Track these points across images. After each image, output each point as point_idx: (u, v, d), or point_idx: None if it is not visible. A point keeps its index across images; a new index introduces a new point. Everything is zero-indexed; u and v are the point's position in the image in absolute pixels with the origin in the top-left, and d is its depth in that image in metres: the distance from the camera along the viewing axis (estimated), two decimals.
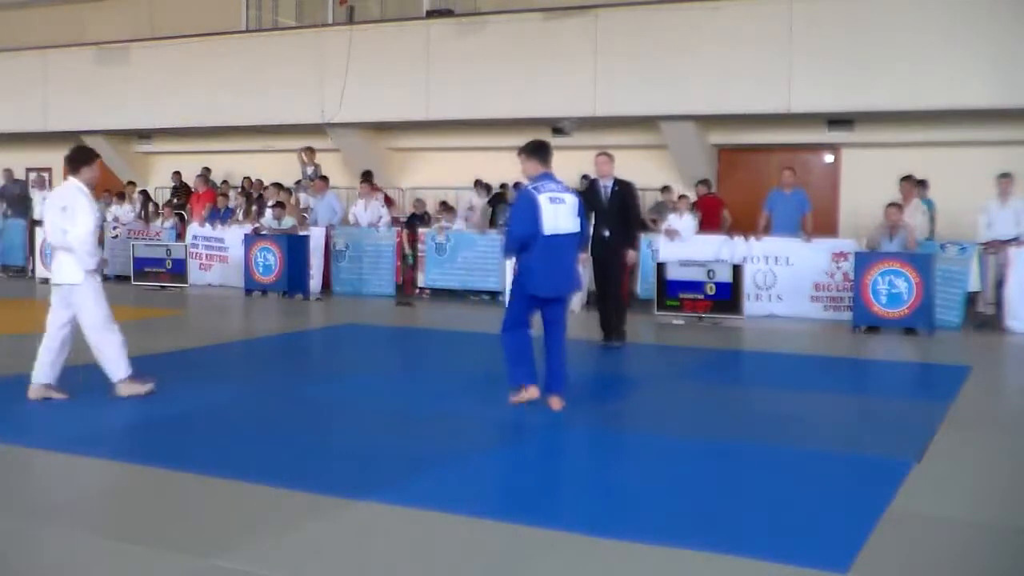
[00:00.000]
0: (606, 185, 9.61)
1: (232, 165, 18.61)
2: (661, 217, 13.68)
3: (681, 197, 13.67)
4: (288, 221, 14.67)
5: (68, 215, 6.69)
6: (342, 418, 6.55)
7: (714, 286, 11.45)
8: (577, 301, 10.91)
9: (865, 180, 14.49)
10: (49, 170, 21.81)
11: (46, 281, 15.82)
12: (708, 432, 6.24)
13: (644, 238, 12.07)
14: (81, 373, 7.92)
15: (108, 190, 18.34)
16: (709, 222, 13.55)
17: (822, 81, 13.68)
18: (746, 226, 13.06)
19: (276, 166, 17.60)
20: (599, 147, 15.41)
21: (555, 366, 6.76)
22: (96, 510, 4.60)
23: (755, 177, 15.33)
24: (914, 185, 12.20)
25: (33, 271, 16.67)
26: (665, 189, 14.94)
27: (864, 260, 11.05)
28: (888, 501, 4.71)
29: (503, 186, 15.48)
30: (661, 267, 11.69)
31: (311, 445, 5.80)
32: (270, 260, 14.25)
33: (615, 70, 14.83)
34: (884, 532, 4.28)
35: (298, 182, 16.60)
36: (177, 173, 18.59)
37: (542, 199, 6.58)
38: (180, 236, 16.17)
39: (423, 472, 5.18)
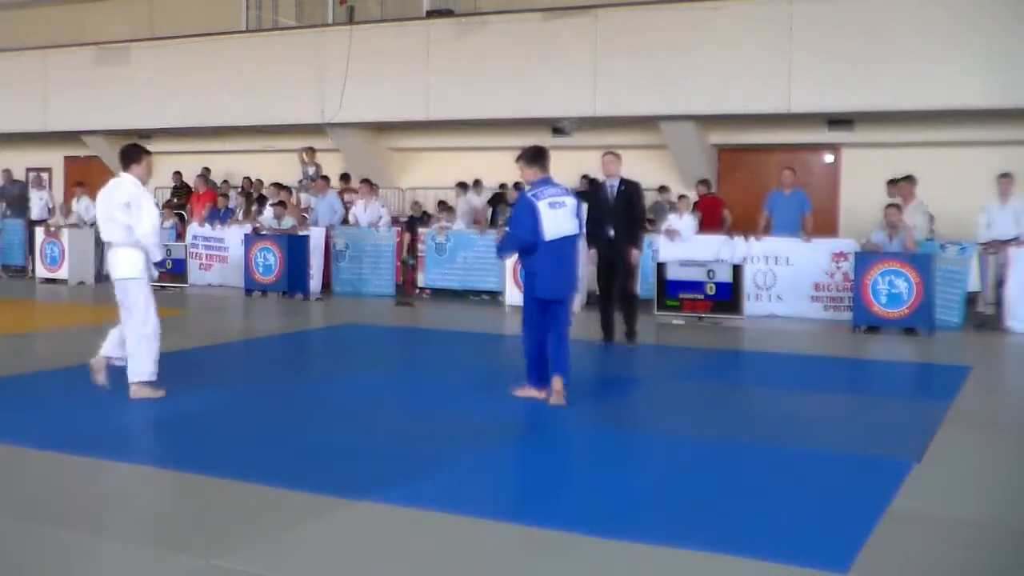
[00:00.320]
0: (612, 184, 9.62)
1: (232, 165, 18.62)
2: (659, 217, 13.69)
3: (681, 197, 13.68)
4: (288, 221, 14.67)
5: (133, 211, 6.82)
6: (342, 418, 6.55)
7: (714, 286, 11.45)
8: (577, 302, 10.91)
9: (865, 180, 14.49)
10: (49, 170, 21.83)
11: (46, 281, 15.93)
12: (708, 432, 6.24)
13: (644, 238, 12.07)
14: (79, 373, 7.92)
15: None
16: (709, 222, 13.55)
17: (822, 81, 13.68)
18: (746, 226, 13.06)
19: (276, 166, 17.61)
20: (599, 147, 15.43)
21: (555, 352, 6.92)
22: (96, 510, 4.59)
23: (755, 177, 15.33)
24: (913, 184, 12.18)
25: (33, 271, 16.67)
26: (662, 189, 14.95)
27: (864, 260, 11.05)
28: (888, 501, 4.71)
29: (503, 186, 15.47)
30: (661, 267, 11.69)
31: (311, 445, 5.80)
32: (270, 260, 14.25)
33: (615, 70, 14.83)
34: (884, 532, 4.28)
35: (301, 182, 16.61)
36: (178, 173, 18.59)
37: (542, 206, 6.76)
38: (180, 236, 16.17)
39: (423, 472, 5.18)
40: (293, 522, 4.38)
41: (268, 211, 15.02)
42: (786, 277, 12.08)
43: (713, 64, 14.17)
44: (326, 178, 15.80)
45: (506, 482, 5.16)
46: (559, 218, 6.81)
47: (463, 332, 10.98)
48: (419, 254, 14.42)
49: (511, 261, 12.79)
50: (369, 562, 3.99)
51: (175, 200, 18.14)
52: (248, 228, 15.05)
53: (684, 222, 12.63)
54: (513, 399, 7.02)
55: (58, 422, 6.27)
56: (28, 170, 21.17)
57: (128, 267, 6.86)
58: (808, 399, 7.40)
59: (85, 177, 19.50)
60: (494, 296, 13.73)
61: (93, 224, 16.65)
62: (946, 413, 6.73)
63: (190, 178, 18.05)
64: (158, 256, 6.96)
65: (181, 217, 17.32)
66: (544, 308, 6.95)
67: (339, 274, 14.75)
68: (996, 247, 11.42)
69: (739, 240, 12.31)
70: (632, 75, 14.72)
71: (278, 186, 15.75)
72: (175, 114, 18.07)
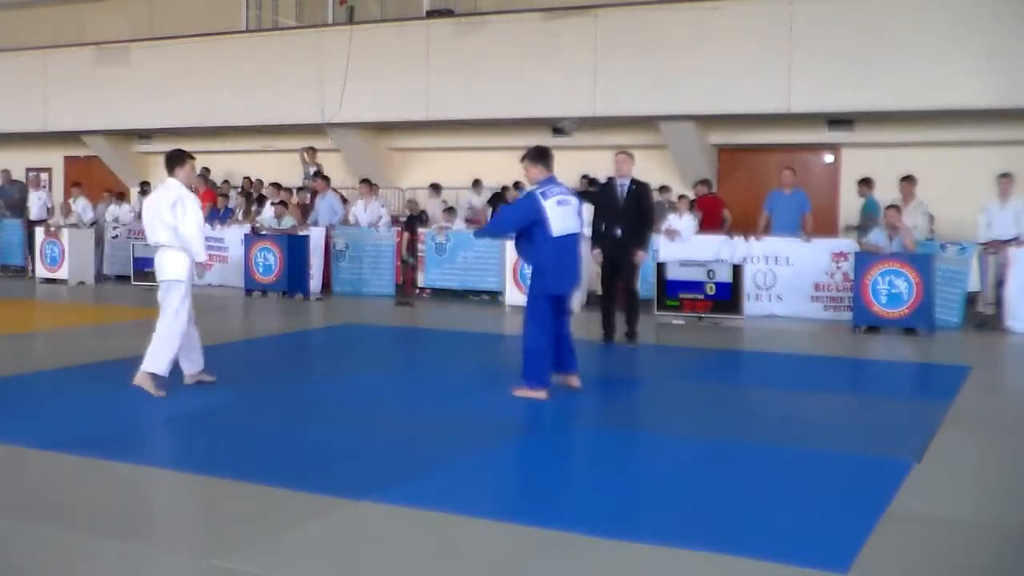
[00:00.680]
0: (623, 184, 9.64)
1: (232, 165, 18.62)
2: (659, 217, 13.67)
3: (681, 197, 13.67)
4: (288, 221, 14.67)
5: (177, 212, 7.02)
6: (342, 418, 6.55)
7: (714, 286, 11.45)
8: (576, 301, 10.91)
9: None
10: (49, 170, 21.83)
11: (46, 281, 15.93)
12: (708, 432, 6.24)
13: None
14: (79, 373, 7.93)
15: (108, 190, 18.36)
16: (710, 222, 13.55)
17: (822, 81, 13.69)
18: (746, 226, 13.06)
19: (276, 166, 17.61)
20: (599, 147, 15.55)
21: (567, 350, 7.22)
22: (96, 510, 4.59)
23: (755, 177, 15.33)
24: (913, 184, 12.19)
25: (33, 271, 16.67)
26: (663, 189, 14.95)
27: (864, 260, 11.05)
28: (888, 501, 4.71)
29: (504, 188, 15.46)
30: (661, 267, 11.69)
31: (311, 445, 5.80)
32: (270, 260, 14.26)
33: (615, 70, 14.83)
34: (884, 532, 4.28)
35: (305, 182, 16.61)
36: None
37: (550, 204, 6.94)
38: None
39: (423, 472, 5.17)
40: (293, 522, 4.38)
41: (268, 211, 15.02)
42: (786, 277, 12.08)
43: (713, 64, 14.18)
44: (326, 178, 15.80)
45: (506, 482, 5.16)
46: (565, 216, 7.01)
47: (463, 332, 10.98)
48: (419, 254, 14.42)
49: (512, 261, 12.82)
50: (369, 562, 3.99)
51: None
52: (248, 228, 15.05)
53: (684, 222, 12.63)
54: (513, 399, 7.02)
55: (58, 422, 6.27)
56: (28, 170, 21.18)
57: (172, 270, 7.10)
58: (808, 399, 7.40)
59: (85, 177, 19.53)
60: (494, 296, 13.73)
61: (92, 224, 16.74)
62: (946, 413, 6.73)
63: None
64: (202, 257, 7.16)
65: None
66: (555, 306, 7.10)
67: (339, 274, 14.75)
68: (996, 247, 11.42)
69: (739, 240, 12.31)
70: (632, 75, 14.72)
71: (276, 186, 15.76)
72: (175, 114, 18.07)
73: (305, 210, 15.56)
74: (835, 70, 13.58)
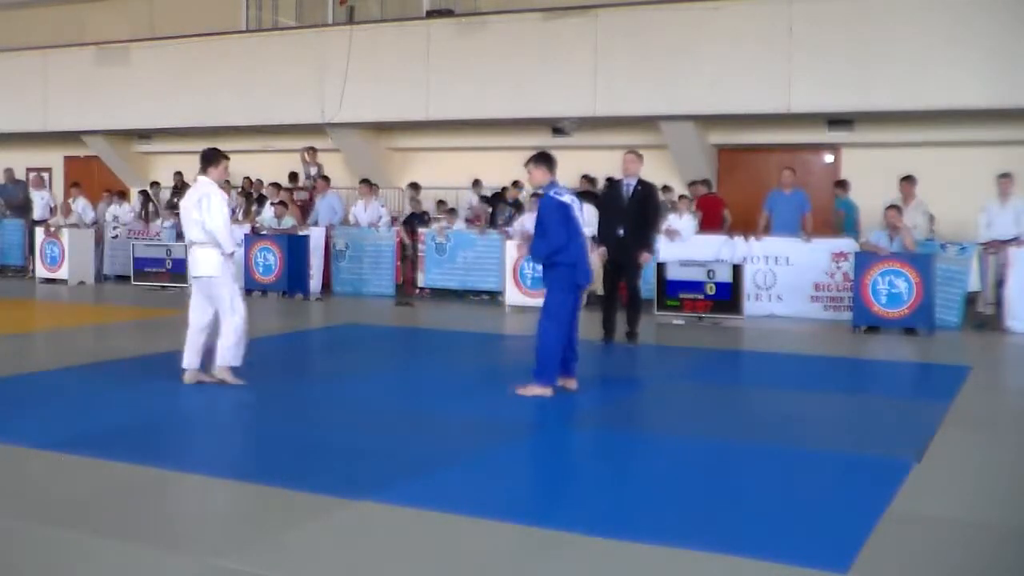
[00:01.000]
0: (629, 184, 9.64)
1: (232, 165, 18.39)
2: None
3: (682, 197, 13.67)
4: (288, 221, 14.67)
5: (203, 206, 7.24)
6: (342, 418, 6.55)
7: (714, 286, 11.45)
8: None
9: (865, 180, 14.48)
10: (49, 170, 21.82)
11: (46, 281, 15.93)
12: (708, 432, 6.24)
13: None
14: (79, 373, 7.94)
15: (108, 190, 18.35)
16: (710, 222, 13.55)
17: (822, 81, 13.68)
18: (746, 226, 13.06)
19: (276, 166, 17.60)
20: (599, 147, 15.56)
21: (571, 352, 7.30)
22: (96, 510, 4.59)
23: (755, 177, 15.33)
24: (913, 184, 12.19)
25: (33, 271, 16.67)
26: (664, 189, 14.93)
27: (864, 260, 11.05)
28: (888, 501, 4.71)
29: (504, 189, 15.46)
30: (661, 267, 11.69)
31: (311, 445, 5.80)
32: (270, 260, 14.26)
33: (615, 70, 14.83)
34: (884, 532, 4.28)
35: (306, 182, 16.61)
36: (178, 173, 18.57)
37: (566, 200, 7.15)
38: (180, 236, 16.16)
39: (423, 472, 5.17)
40: (293, 522, 4.38)
41: (268, 211, 15.02)
42: (786, 277, 12.08)
43: (713, 64, 14.18)
44: (326, 178, 15.80)
45: (506, 482, 5.16)
46: (578, 213, 7.26)
47: (463, 332, 10.98)
48: (419, 253, 14.41)
49: (512, 261, 12.82)
50: (369, 562, 3.99)
51: (175, 200, 18.13)
52: (247, 228, 15.05)
53: (684, 222, 12.63)
54: (513, 399, 7.03)
55: (58, 422, 6.27)
56: (28, 170, 21.15)
57: (207, 266, 7.30)
58: (808, 399, 7.40)
59: (85, 177, 19.52)
60: (494, 296, 13.73)
61: (92, 224, 16.73)
62: (946, 413, 6.73)
63: (191, 178, 18.02)
64: (229, 248, 7.34)
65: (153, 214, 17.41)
66: (574, 303, 7.26)
67: (339, 274, 14.75)
68: (996, 247, 11.42)
69: (739, 240, 12.31)
70: (632, 75, 14.72)
71: (276, 186, 15.76)
72: (175, 114, 18.08)
73: (303, 209, 15.56)
74: (835, 70, 13.58)
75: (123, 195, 18.60)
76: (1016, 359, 9.97)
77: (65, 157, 21.73)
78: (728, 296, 11.41)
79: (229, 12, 19.03)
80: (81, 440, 5.76)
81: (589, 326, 10.03)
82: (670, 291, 11.63)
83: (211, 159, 7.47)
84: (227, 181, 17.44)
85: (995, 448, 6.06)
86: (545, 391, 7.04)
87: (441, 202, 15.68)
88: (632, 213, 9.53)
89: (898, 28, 13.38)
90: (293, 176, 16.94)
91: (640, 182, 9.64)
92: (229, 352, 7.27)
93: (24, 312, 13.12)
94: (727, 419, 6.73)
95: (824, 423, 6.64)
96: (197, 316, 7.43)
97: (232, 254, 7.39)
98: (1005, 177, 11.65)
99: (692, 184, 14.36)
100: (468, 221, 14.91)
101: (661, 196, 14.79)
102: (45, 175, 21.37)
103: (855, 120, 14.62)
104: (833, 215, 13.55)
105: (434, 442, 5.87)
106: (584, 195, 10.89)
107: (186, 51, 18.09)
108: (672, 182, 15.19)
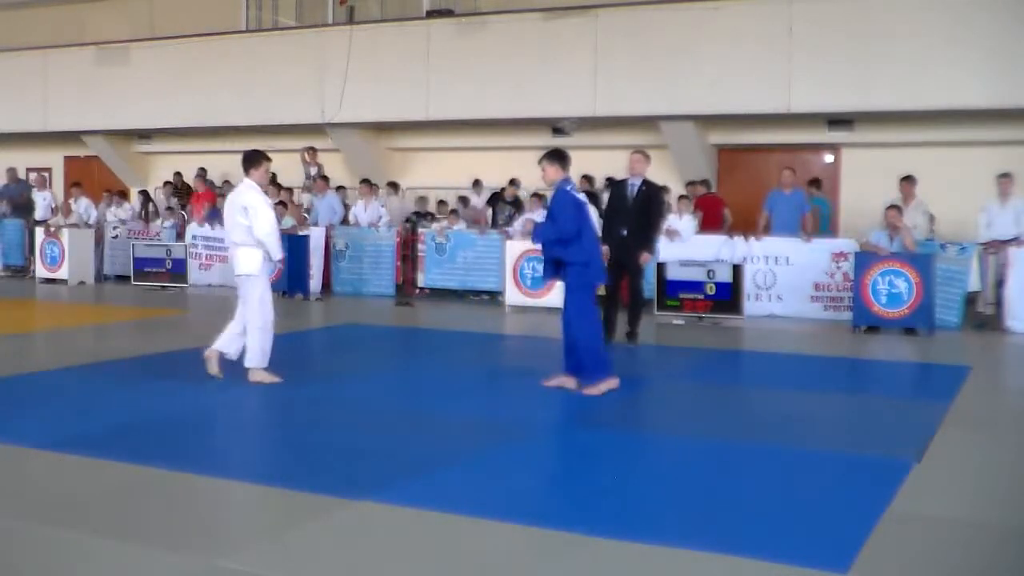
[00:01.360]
0: (634, 184, 9.66)
1: (232, 165, 18.46)
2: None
3: (681, 197, 13.67)
4: (288, 221, 14.66)
5: (251, 214, 7.41)
6: (342, 418, 6.55)
7: (714, 286, 11.45)
8: None
9: (865, 180, 14.49)
10: (49, 170, 21.82)
11: (46, 281, 15.93)
12: (708, 432, 6.24)
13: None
14: (79, 373, 7.94)
15: (108, 190, 18.35)
16: (711, 222, 13.55)
17: (822, 81, 13.68)
18: (746, 226, 13.06)
19: (276, 166, 17.54)
20: (599, 147, 15.56)
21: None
22: (96, 510, 4.59)
23: (755, 177, 15.33)
24: (913, 184, 12.18)
25: (33, 271, 16.67)
26: (664, 189, 14.93)
27: (864, 260, 11.05)
28: (888, 501, 4.71)
29: (502, 188, 15.46)
30: (661, 267, 11.69)
31: (311, 445, 5.80)
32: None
33: (615, 70, 14.83)
34: (884, 532, 4.28)
35: (306, 182, 16.60)
36: (178, 173, 18.60)
37: (582, 198, 7.23)
38: (180, 236, 16.18)
39: (423, 472, 5.18)
40: (293, 522, 4.38)
41: None
42: (786, 277, 12.08)
43: (713, 64, 14.17)
44: (326, 178, 15.79)
45: (506, 482, 5.16)
46: (591, 212, 7.35)
47: (463, 332, 10.98)
48: (419, 253, 14.40)
49: (512, 261, 12.82)
50: (369, 562, 3.99)
51: (175, 199, 18.13)
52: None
53: (684, 222, 12.63)
54: (512, 399, 7.04)
55: (58, 422, 6.27)
56: (28, 170, 21.18)
57: (246, 264, 7.50)
58: (808, 399, 7.40)
59: (85, 177, 19.52)
60: (494, 296, 13.73)
61: (93, 224, 16.73)
62: (946, 413, 6.73)
63: (191, 178, 18.04)
64: (278, 255, 7.60)
65: (183, 217, 17.32)
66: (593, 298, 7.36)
67: (339, 274, 14.75)
68: (996, 247, 11.42)
69: (739, 240, 12.31)
70: (632, 75, 14.72)
71: (278, 186, 15.75)
72: (175, 114, 18.07)
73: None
74: (835, 70, 13.58)
75: (123, 195, 18.59)
76: (1016, 359, 9.97)
77: (65, 157, 21.73)
78: (728, 296, 11.41)
79: (229, 12, 19.02)
80: (81, 440, 5.76)
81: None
82: (670, 291, 11.63)
83: (252, 161, 7.56)
84: (226, 181, 17.66)
85: (995, 448, 6.06)
86: (612, 383, 7.18)
87: (440, 202, 15.67)
88: (635, 213, 9.55)
89: (898, 28, 13.37)
90: (273, 178, 16.93)
91: (645, 182, 9.67)
92: (255, 354, 7.47)
93: (24, 312, 13.12)
94: (727, 419, 6.73)
95: (824, 423, 6.64)
96: (241, 311, 7.65)
97: (282, 260, 7.59)
98: (1005, 177, 11.65)
99: (691, 184, 14.35)
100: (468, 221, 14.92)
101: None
102: (45, 175, 21.38)
103: (855, 120, 14.61)
104: (811, 214, 13.48)
105: (434, 442, 5.87)
106: (592, 196, 10.90)
107: (186, 51, 18.09)
108: (672, 182, 15.19)
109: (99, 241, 16.61)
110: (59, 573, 3.89)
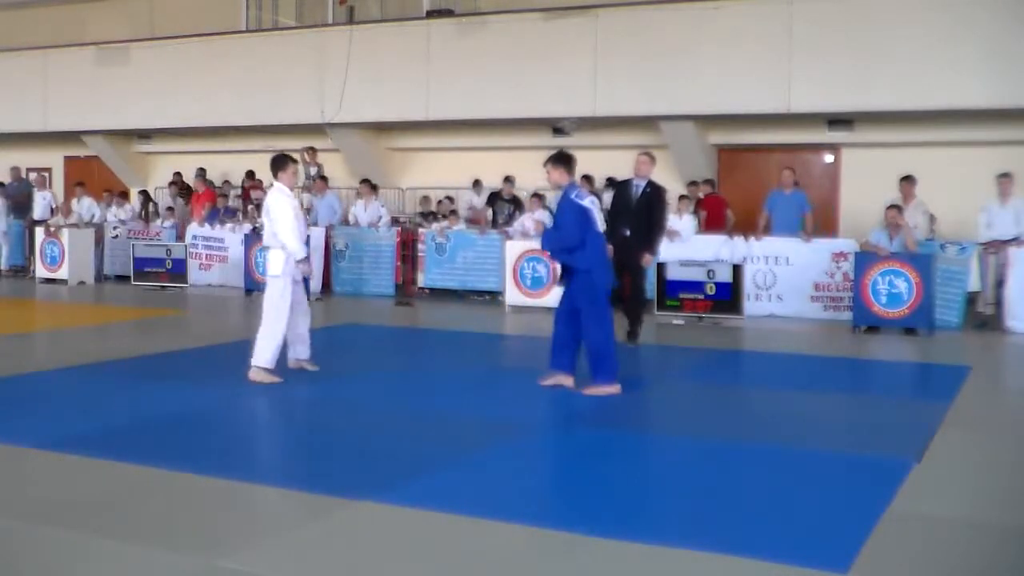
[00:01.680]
0: (638, 185, 9.69)
1: (232, 165, 18.60)
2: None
3: (682, 197, 13.67)
4: None
5: (272, 215, 7.61)
6: (342, 418, 6.55)
7: (714, 286, 11.45)
8: None
9: (865, 180, 14.48)
10: (49, 170, 21.83)
11: (46, 281, 15.93)
12: (708, 432, 6.24)
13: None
14: (79, 373, 7.94)
15: (108, 190, 18.35)
16: (714, 221, 13.55)
17: (822, 81, 13.68)
18: (746, 226, 13.06)
19: None
20: (599, 147, 15.55)
21: (577, 350, 7.41)
22: (96, 510, 4.59)
23: (755, 177, 15.33)
24: (913, 184, 12.18)
25: (33, 271, 16.67)
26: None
27: (864, 260, 11.05)
28: (888, 501, 4.71)
29: (500, 189, 15.45)
30: (661, 267, 11.68)
31: (311, 445, 5.80)
32: None
33: (615, 70, 14.83)
34: (884, 532, 4.29)
35: (306, 182, 16.60)
36: (178, 173, 18.59)
37: (587, 204, 7.18)
38: (180, 236, 16.18)
39: (423, 472, 5.18)
40: (293, 522, 4.38)
41: None
42: (786, 277, 12.08)
43: (713, 64, 14.17)
44: (325, 178, 15.80)
45: (506, 482, 5.16)
46: (598, 216, 7.27)
47: (463, 332, 10.98)
48: (419, 253, 14.40)
49: (512, 261, 12.82)
50: (369, 562, 3.99)
51: (176, 199, 18.12)
52: (248, 228, 15.05)
53: (684, 222, 12.63)
54: (513, 399, 7.04)
55: (58, 422, 6.27)
56: (28, 170, 21.17)
57: (271, 266, 7.63)
58: (808, 399, 7.40)
59: (85, 177, 19.51)
60: (493, 296, 13.73)
61: (93, 224, 16.73)
62: (946, 413, 6.73)
63: (190, 178, 18.05)
64: (299, 254, 7.61)
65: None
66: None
67: (339, 274, 14.74)
68: (996, 247, 11.41)
69: (739, 240, 12.31)
70: (632, 75, 14.72)
71: None
72: (175, 114, 18.07)
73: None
74: (835, 70, 13.58)
75: (124, 195, 18.59)
76: (1016, 359, 9.97)
77: (65, 157, 21.73)
78: (728, 296, 11.41)
79: (229, 12, 19.02)
80: (81, 440, 5.76)
81: None
82: (670, 291, 11.63)
83: (279, 164, 7.72)
84: (226, 181, 17.66)
85: (995, 448, 6.06)
86: (613, 388, 7.16)
87: (440, 202, 15.66)
88: (639, 214, 9.57)
89: (898, 28, 13.37)
90: (251, 174, 16.99)
91: (650, 183, 9.70)
92: (263, 353, 7.49)
93: (24, 312, 13.13)
94: (727, 419, 6.73)
95: (824, 423, 6.64)
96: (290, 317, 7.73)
97: (306, 258, 7.74)
98: (1005, 177, 11.65)
99: (692, 184, 14.35)
100: (468, 221, 14.91)
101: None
102: (45, 175, 21.37)
103: (855, 120, 14.61)
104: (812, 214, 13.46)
105: (434, 442, 5.87)
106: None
107: (186, 51, 18.08)
108: (672, 182, 15.17)
109: (99, 241, 16.61)
110: (59, 573, 3.89)
